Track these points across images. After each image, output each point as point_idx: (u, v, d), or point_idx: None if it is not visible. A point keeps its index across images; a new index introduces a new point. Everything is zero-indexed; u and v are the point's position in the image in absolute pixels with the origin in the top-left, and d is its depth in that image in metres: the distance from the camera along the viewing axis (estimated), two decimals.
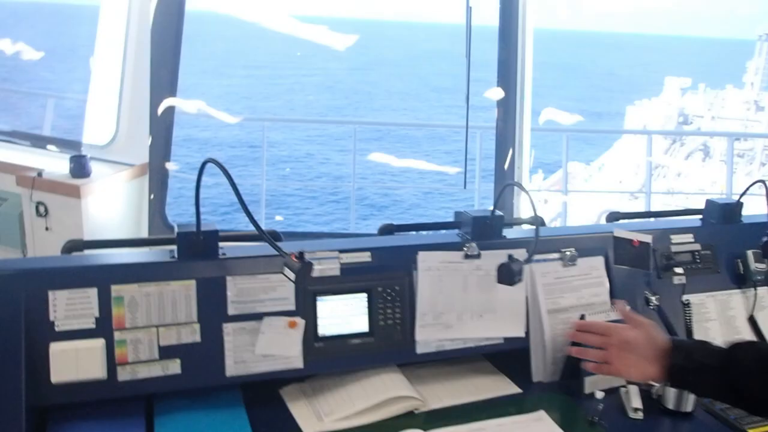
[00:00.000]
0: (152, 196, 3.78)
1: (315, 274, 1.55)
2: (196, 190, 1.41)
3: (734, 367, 1.23)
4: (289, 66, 40.92)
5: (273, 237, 1.41)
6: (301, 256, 1.34)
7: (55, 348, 1.36)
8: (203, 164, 1.36)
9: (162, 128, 3.78)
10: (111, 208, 3.52)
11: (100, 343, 1.39)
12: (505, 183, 3.75)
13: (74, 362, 1.37)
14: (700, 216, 2.04)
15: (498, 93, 3.77)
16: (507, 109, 3.76)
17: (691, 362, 1.28)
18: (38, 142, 4.08)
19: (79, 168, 3.41)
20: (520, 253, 1.67)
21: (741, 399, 1.24)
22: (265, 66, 39.36)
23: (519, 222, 1.73)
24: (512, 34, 3.68)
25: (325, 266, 1.57)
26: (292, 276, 1.33)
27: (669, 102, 22.47)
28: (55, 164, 3.61)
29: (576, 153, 18.84)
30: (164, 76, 3.72)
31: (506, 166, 3.76)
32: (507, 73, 3.72)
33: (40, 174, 3.41)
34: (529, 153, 3.92)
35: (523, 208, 3.72)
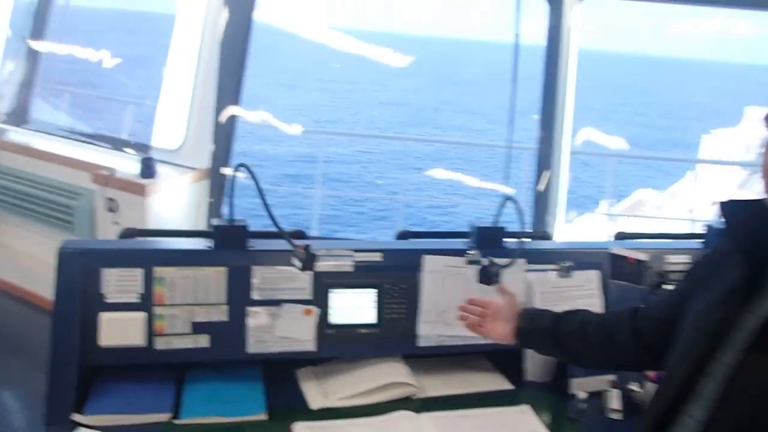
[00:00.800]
0: (212, 200, 4.07)
1: (330, 269, 1.76)
2: (230, 190, 1.65)
3: (561, 330, 1.53)
4: (355, 84, 41.70)
5: (298, 236, 1.63)
6: (307, 248, 1.55)
7: (105, 317, 1.62)
8: (236, 167, 1.59)
9: (224, 135, 4.08)
10: (173, 207, 3.82)
11: (142, 315, 1.64)
12: (539, 202, 3.87)
13: (119, 330, 1.62)
14: (701, 240, 2.16)
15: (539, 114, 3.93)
16: (547, 130, 3.90)
17: (531, 325, 1.57)
18: (115, 144, 4.45)
19: (147, 169, 3.74)
20: (519, 262, 1.84)
21: (565, 354, 1.57)
22: (332, 83, 40.19)
23: (524, 235, 1.90)
24: (556, 54, 3.82)
25: (340, 263, 1.78)
26: (299, 264, 1.55)
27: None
28: (127, 165, 3.95)
29: (648, 180, 18.55)
30: (230, 85, 4.01)
31: (542, 186, 3.89)
32: (549, 94, 3.87)
33: (112, 173, 3.75)
34: (567, 174, 4.04)
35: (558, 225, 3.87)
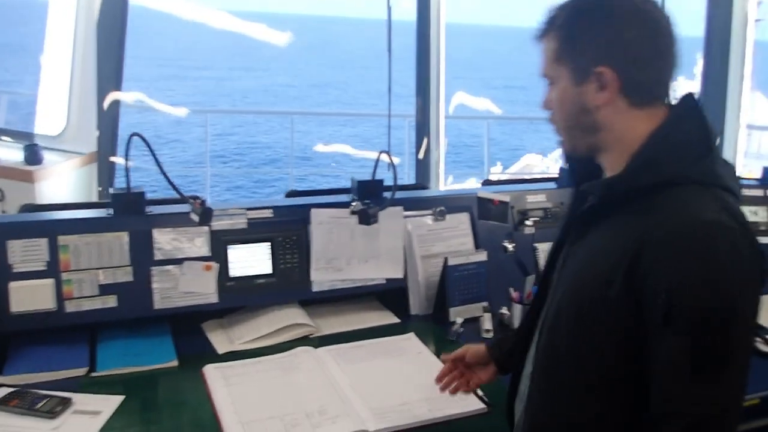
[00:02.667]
0: (100, 188, 4.07)
1: (226, 227, 1.92)
2: (125, 159, 1.77)
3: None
4: (234, 62, 40.99)
5: (200, 204, 1.76)
6: (203, 203, 1.71)
7: (13, 286, 1.71)
8: (130, 137, 1.72)
9: (108, 121, 4.08)
10: (62, 192, 3.82)
11: (50, 282, 1.74)
12: (421, 168, 4.13)
13: (30, 297, 1.72)
14: (555, 182, 2.46)
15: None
16: (423, 99, 4.15)
17: (504, 351, 1.54)
18: None
19: (32, 156, 3.71)
20: (397, 208, 2.06)
21: None
22: (211, 65, 39.37)
23: (404, 187, 2.11)
24: (426, 28, 4.07)
25: (235, 220, 1.94)
26: (197, 218, 1.70)
27: None
28: (9, 153, 3.90)
29: (534, 144, 19.32)
30: (110, 70, 4.02)
31: (422, 154, 4.15)
32: (422, 65, 4.11)
33: None
34: (444, 140, 4.32)
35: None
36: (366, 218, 1.92)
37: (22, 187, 3.65)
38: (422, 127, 4.37)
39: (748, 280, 1.01)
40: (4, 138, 4.30)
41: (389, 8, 4.01)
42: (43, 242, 1.75)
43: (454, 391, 1.58)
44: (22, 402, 1.52)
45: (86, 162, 4.09)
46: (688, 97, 1.14)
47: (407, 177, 5.27)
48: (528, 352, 1.31)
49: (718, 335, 0.99)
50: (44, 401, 1.52)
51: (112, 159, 3.97)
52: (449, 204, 2.20)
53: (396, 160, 4.70)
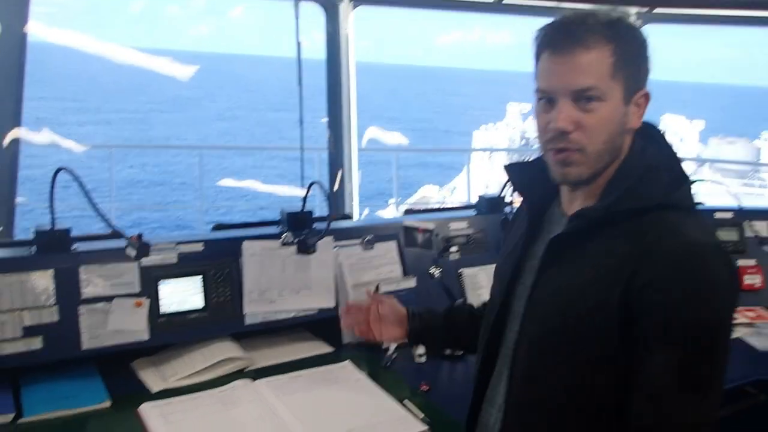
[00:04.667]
0: (1, 228, 3.87)
1: (156, 263, 1.89)
2: (50, 195, 1.73)
3: (452, 325, 1.65)
4: (138, 96, 40.05)
5: (137, 238, 1.74)
6: (139, 237, 1.69)
7: None
8: (56, 172, 1.68)
9: (6, 161, 3.89)
10: None
11: None
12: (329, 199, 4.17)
13: None
14: (474, 209, 2.56)
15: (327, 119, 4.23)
16: (335, 132, 4.22)
17: (423, 324, 1.66)
18: None
19: None
20: (328, 239, 2.10)
21: (460, 345, 1.76)
22: (115, 100, 38.34)
23: (322, 218, 2.16)
24: (337, 58, 4.15)
25: (165, 255, 1.92)
26: (133, 253, 1.68)
27: (512, 126, 24.06)
28: None
29: (430, 177, 19.78)
30: (8, 107, 3.85)
31: (336, 185, 4.20)
32: (334, 97, 4.19)
33: None
34: (356, 171, 4.39)
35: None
36: (305, 247, 1.95)
37: None
38: (335, 160, 4.42)
39: (733, 297, 1.11)
40: None
41: (298, 43, 4.08)
42: None
43: (360, 333, 1.71)
44: None
45: None
46: (647, 124, 1.22)
47: (319, 209, 5.31)
48: (486, 382, 1.33)
49: (706, 349, 1.06)
50: None
51: (16, 200, 3.79)
52: (376, 233, 2.25)
53: (303, 191, 4.68)
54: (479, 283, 2.37)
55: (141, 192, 18.11)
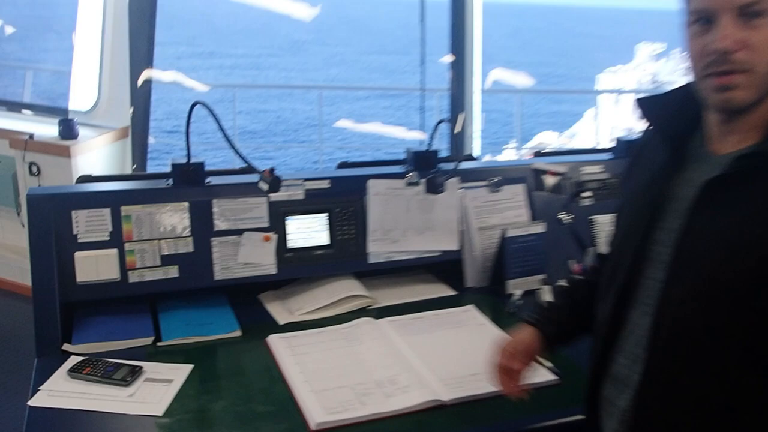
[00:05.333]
0: (135, 166, 4.11)
1: (284, 198, 1.94)
2: (186, 128, 1.80)
3: (578, 305, 1.45)
4: (253, 39, 41.02)
5: (270, 173, 1.78)
6: (272, 171, 1.73)
7: (79, 255, 1.75)
8: (192, 105, 1.74)
9: (141, 98, 4.11)
10: (97, 166, 3.86)
11: (114, 252, 1.78)
12: (457, 139, 4.13)
13: (94, 267, 1.75)
14: (611, 152, 2.45)
15: (450, 58, 4.16)
16: (458, 73, 4.15)
17: (555, 329, 1.44)
18: (25, 108, 4.40)
19: (68, 130, 3.76)
20: (453, 180, 2.08)
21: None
22: (235, 43, 39.47)
23: (447, 158, 2.13)
24: (461, 2, 4.06)
25: (292, 192, 1.96)
26: (265, 187, 1.73)
27: (641, 68, 22.87)
28: (42, 129, 3.94)
29: (547, 124, 19.25)
30: (141, 47, 4.04)
31: (458, 127, 4.15)
32: (458, 34, 4.10)
33: (31, 137, 3.75)
34: (480, 115, 4.31)
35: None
36: (434, 187, 1.94)
37: (58, 162, 3.70)
38: (457, 102, 4.36)
39: None
40: (37, 113, 4.35)
41: None
42: (107, 212, 1.78)
43: (521, 394, 1.41)
44: (95, 370, 1.55)
45: (118, 137, 4.13)
46: None
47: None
48: (617, 332, 1.23)
49: None
50: (116, 369, 1.56)
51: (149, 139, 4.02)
52: (504, 175, 2.21)
53: (424, 136, 4.64)
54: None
55: (258, 138, 18.73)
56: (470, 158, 2.56)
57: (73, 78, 4.29)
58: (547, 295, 2.03)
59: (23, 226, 3.82)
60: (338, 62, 36.13)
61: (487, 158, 5.33)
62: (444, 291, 2.12)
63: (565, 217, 2.23)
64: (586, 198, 2.26)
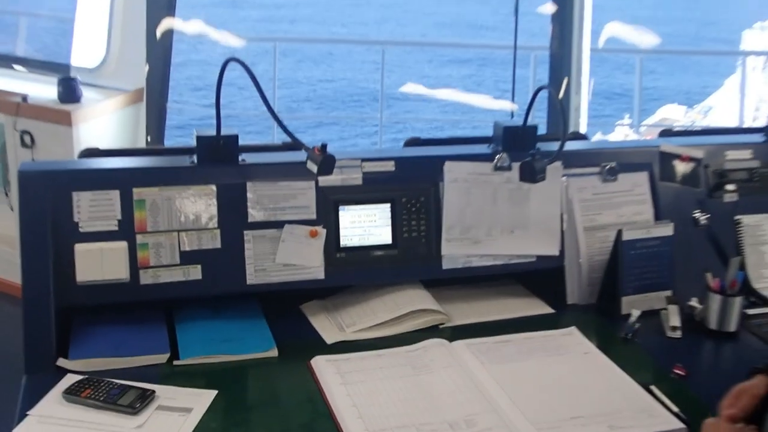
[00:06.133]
0: (149, 138, 4.18)
1: (336, 183, 1.93)
2: (216, 92, 1.81)
3: None
4: None
5: (320, 150, 1.78)
6: (323, 148, 1.72)
7: (80, 248, 1.77)
8: (225, 63, 1.75)
9: (160, 53, 4.17)
10: (105, 137, 3.94)
11: (123, 245, 1.80)
12: (559, 112, 4.06)
13: (98, 263, 1.78)
14: (764, 133, 2.37)
15: (551, 8, 4.10)
16: (562, 27, 4.08)
17: None
18: (17, 64, 4.51)
19: (69, 92, 3.84)
20: (555, 165, 2.03)
21: None
22: None
23: (547, 137, 2.09)
24: None
25: (347, 175, 1.95)
26: (315, 168, 1.72)
27: None
28: (38, 89, 4.03)
29: (672, 95, 18.90)
30: None
31: (561, 94, 4.08)
32: None
33: (24, 99, 3.84)
34: (588, 81, 4.23)
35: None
36: (531, 174, 1.90)
37: (56, 131, 3.78)
38: (559, 63, 4.30)
39: None
40: (16, 67, 4.45)
41: None
42: (115, 195, 1.80)
43: None
44: (97, 393, 1.57)
45: (130, 101, 4.20)
46: None
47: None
48: None
49: None
50: (122, 393, 1.58)
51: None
52: (621, 160, 2.15)
53: (514, 107, 4.60)
54: (762, 237, 2.21)
55: (305, 103, 18.89)
56: (577, 137, 2.51)
57: (76, 27, 4.37)
58: (674, 318, 1.97)
59: (12, 209, 3.92)
60: (398, 16, 36.16)
61: (597, 137, 5.27)
62: (538, 308, 2.09)
63: (701, 217, 2.16)
64: (730, 192, 2.18)
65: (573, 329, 1.94)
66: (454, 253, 2.03)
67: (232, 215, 1.88)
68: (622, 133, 9.27)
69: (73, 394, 1.57)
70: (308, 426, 1.55)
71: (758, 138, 2.34)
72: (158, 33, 4.09)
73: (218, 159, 1.89)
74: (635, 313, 1.97)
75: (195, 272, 1.85)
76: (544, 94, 4.33)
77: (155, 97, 4.15)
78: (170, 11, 4.16)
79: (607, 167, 2.13)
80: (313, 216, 1.93)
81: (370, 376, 1.71)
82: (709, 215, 2.16)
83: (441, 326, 1.96)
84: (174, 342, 1.81)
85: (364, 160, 1.98)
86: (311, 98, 19.93)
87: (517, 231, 2.07)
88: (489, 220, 2.05)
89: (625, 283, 2.03)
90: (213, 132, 1.88)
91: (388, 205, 1.99)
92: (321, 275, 1.94)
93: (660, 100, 17.42)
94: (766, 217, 2.23)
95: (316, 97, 20.08)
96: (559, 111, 4.33)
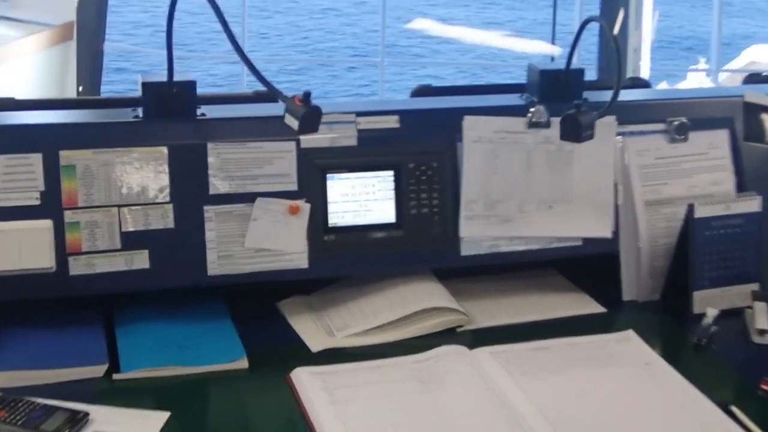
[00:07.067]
0: (81, 87, 4.17)
1: (324, 144, 1.93)
2: (167, 26, 1.80)
3: None
4: None
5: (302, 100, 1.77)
6: (306, 98, 1.72)
7: None
8: None
9: None
10: (23, 85, 3.94)
11: (46, 224, 1.80)
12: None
13: (15, 248, 1.78)
14: None
15: None
16: None
17: None
18: None
19: None
20: (607, 120, 2.04)
21: None
22: None
23: (596, 84, 2.09)
24: None
25: (338, 133, 1.95)
26: (295, 124, 1.71)
27: None
28: None
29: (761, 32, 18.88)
30: None
31: (616, 29, 4.07)
32: None
33: None
34: (652, 15, 4.22)
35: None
36: (575, 130, 1.89)
37: None
38: None
39: None
40: None
41: None
42: (36, 160, 1.80)
43: None
44: (13, 415, 1.57)
45: (56, 39, 4.19)
46: None
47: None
48: None
49: None
50: (47, 416, 1.58)
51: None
52: (692, 114, 2.15)
53: (555, 50, 4.60)
54: None
55: (277, 41, 18.83)
56: (637, 84, 2.51)
57: None
58: (762, 319, 1.98)
59: None
60: None
61: (662, 86, 5.27)
62: (586, 305, 2.11)
63: None
64: None
65: (630, 333, 1.95)
66: (476, 234, 2.04)
67: (189, 186, 1.88)
68: (695, 81, 9.24)
69: None
70: None
71: None
72: None
73: (170, 112, 1.90)
74: (711, 313, 1.98)
75: (141, 260, 1.86)
76: (594, 32, 4.35)
77: (88, 33, 4.14)
78: None
79: (676, 123, 2.12)
80: (294, 187, 1.93)
81: (367, 393, 1.71)
82: None
83: (459, 329, 1.97)
84: (114, 350, 1.81)
85: (359, 114, 1.98)
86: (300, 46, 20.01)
87: (557, 206, 2.07)
88: (521, 192, 2.05)
89: (698, 273, 2.04)
90: (164, 77, 1.88)
91: (390, 173, 1.99)
92: (304, 264, 1.94)
93: (747, 41, 17.37)
94: None
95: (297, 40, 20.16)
96: (614, 51, 4.30)
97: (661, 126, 2.13)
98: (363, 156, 1.98)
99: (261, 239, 1.91)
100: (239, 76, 5.78)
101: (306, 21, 21.10)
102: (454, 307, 1.98)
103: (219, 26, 1.74)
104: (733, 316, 2.01)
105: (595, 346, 1.91)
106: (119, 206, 1.85)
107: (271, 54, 16.29)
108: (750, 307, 2.01)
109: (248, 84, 5.31)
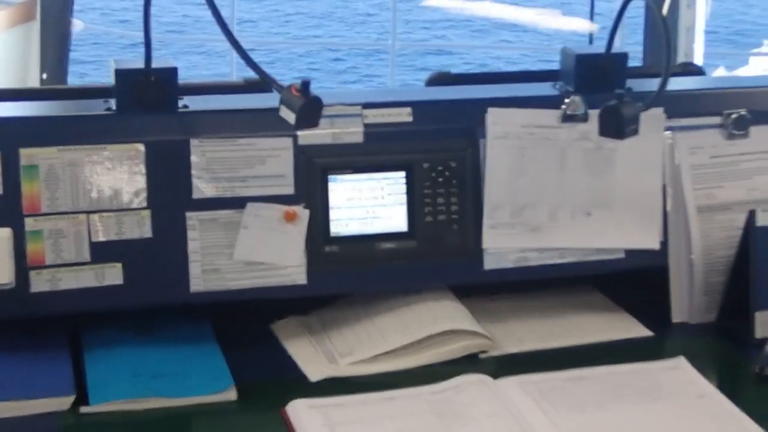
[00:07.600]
0: (44, 76, 4.18)
1: (325, 140, 1.94)
2: (145, 8, 1.81)
3: None
4: None
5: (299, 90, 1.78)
6: (305, 87, 1.72)
7: None
8: None
9: None
10: None
11: (4, 233, 1.81)
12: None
13: None
14: None
15: None
16: None
17: None
18: None
19: None
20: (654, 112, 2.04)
21: None
22: None
23: (642, 71, 2.08)
24: None
25: (341, 128, 1.96)
26: (292, 118, 1.72)
27: None
28: None
29: None
30: None
31: (664, 10, 4.07)
32: None
33: None
34: None
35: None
36: (617, 125, 1.90)
37: None
38: None
39: None
40: None
41: None
42: None
43: None
44: None
45: (16, 19, 4.20)
46: None
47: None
48: None
49: None
50: None
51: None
52: (755, 106, 2.16)
53: (593, 27, 4.61)
54: None
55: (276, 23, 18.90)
56: (689, 71, 2.51)
57: None
58: None
59: None
60: None
61: (718, 73, 5.27)
62: (629, 328, 2.11)
63: None
64: None
65: (681, 360, 1.95)
66: (502, 245, 2.04)
67: (169, 189, 1.89)
68: (758, 68, 9.23)
69: None
70: None
71: None
72: None
73: (148, 104, 1.90)
74: None
75: (113, 274, 1.87)
76: (639, 9, 4.35)
77: (54, 13, 4.16)
78: None
79: (734, 117, 2.12)
80: (291, 190, 1.94)
81: (375, 430, 1.72)
82: None
83: (481, 355, 1.97)
84: (82, 378, 1.82)
85: (366, 106, 1.99)
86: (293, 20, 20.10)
87: (596, 213, 2.07)
88: (553, 196, 2.06)
89: (760, 291, 2.03)
90: (141, 64, 1.89)
91: (402, 174, 2.00)
92: (302, 279, 1.95)
93: None
94: None
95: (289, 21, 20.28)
96: (662, 32, 4.29)
97: (717, 119, 2.13)
98: (370, 154, 1.99)
99: (252, 251, 1.92)
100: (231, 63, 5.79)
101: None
102: (475, 330, 1.98)
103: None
104: None
105: (640, 376, 1.91)
106: (88, 212, 1.85)
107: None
108: None
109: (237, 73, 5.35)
